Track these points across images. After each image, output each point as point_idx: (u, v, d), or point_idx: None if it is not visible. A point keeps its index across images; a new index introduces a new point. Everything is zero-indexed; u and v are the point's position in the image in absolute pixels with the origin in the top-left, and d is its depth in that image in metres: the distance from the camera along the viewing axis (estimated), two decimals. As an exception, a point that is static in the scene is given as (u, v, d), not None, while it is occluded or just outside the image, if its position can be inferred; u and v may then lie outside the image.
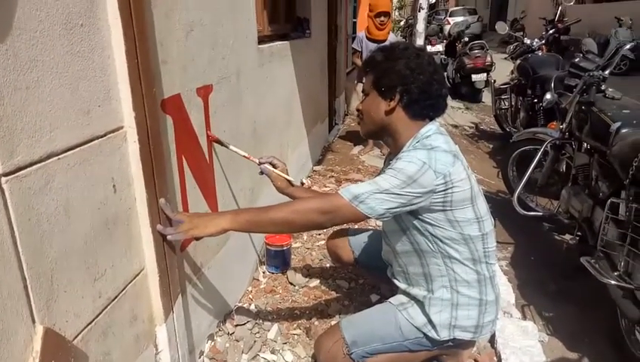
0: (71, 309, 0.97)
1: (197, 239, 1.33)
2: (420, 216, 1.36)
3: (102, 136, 1.05)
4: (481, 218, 1.38)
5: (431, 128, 1.40)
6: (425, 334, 1.45)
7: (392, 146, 1.48)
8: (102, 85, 1.04)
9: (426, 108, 1.41)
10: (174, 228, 1.28)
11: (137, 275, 1.24)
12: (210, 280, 1.77)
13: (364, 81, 1.50)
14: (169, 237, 1.27)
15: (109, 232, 1.10)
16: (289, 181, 1.72)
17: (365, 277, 2.27)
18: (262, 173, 1.74)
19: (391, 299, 1.58)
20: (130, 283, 1.21)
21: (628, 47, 2.38)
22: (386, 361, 1.49)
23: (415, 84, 1.36)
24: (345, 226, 2.05)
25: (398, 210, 1.29)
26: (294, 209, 1.34)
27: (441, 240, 1.38)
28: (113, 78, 1.08)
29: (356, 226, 2.45)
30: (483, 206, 1.41)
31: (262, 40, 2.40)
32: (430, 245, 1.40)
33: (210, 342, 1.81)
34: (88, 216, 1.02)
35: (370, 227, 2.57)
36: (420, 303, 1.48)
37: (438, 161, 1.28)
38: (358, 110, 1.51)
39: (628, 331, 1.86)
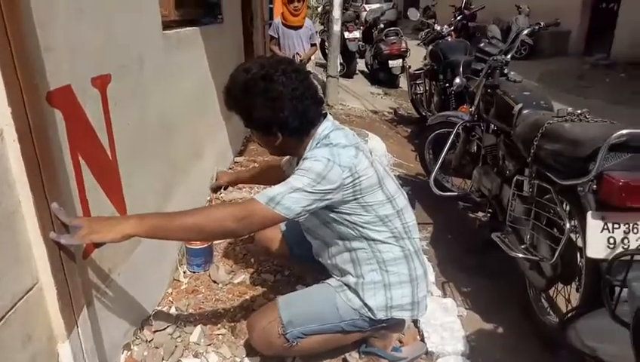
0: (-60, 339, 0.83)
1: (97, 246, 1.21)
2: (335, 209, 1.39)
3: (-31, 136, 0.91)
4: (392, 197, 1.44)
5: (326, 126, 1.42)
6: (362, 315, 1.48)
7: (297, 155, 1.50)
8: (-36, 77, 0.89)
9: (309, 124, 1.41)
10: (71, 234, 1.16)
11: (30, 290, 1.10)
12: (122, 287, 1.63)
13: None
14: (63, 242, 1.14)
15: (-13, 245, 0.96)
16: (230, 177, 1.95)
17: (292, 267, 2.24)
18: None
19: (329, 281, 1.59)
20: (20, 300, 1.07)
21: (525, 32, 2.52)
22: (319, 342, 1.51)
23: (285, 114, 1.33)
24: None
25: (313, 207, 1.30)
26: (207, 215, 1.29)
27: (360, 226, 1.41)
28: (-21, 68, 0.93)
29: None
30: (392, 185, 1.46)
31: (168, 25, 2.24)
32: (352, 231, 1.43)
33: (126, 351, 1.68)
34: (-43, 229, 0.87)
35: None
36: (354, 290, 1.50)
37: (341, 155, 1.32)
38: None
39: (535, 299, 2.00)
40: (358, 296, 1.49)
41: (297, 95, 1.34)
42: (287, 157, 1.74)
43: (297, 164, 1.43)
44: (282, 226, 1.90)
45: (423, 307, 1.56)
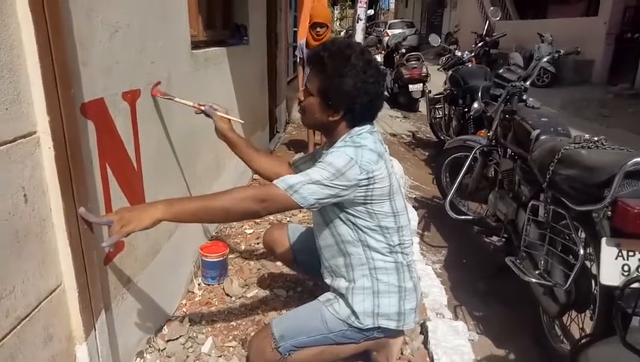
0: (-29, 331, 0.88)
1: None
2: (345, 209, 1.46)
3: (10, 142, 0.98)
4: (397, 212, 1.50)
5: (364, 128, 1.49)
6: (350, 325, 1.52)
7: (328, 139, 1.57)
8: (10, 86, 0.96)
9: (366, 119, 1.50)
10: (108, 236, 1.21)
11: (53, 291, 1.16)
12: (139, 294, 1.68)
13: (307, 75, 1.53)
14: (105, 244, 1.18)
15: (19, 246, 1.02)
16: (230, 126, 1.80)
17: (302, 283, 2.26)
18: (204, 114, 1.81)
19: (319, 297, 1.64)
20: (44, 300, 1.12)
21: (545, 59, 2.55)
22: (312, 354, 1.54)
23: (360, 104, 1.43)
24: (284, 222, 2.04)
25: (326, 200, 1.38)
26: (230, 197, 1.36)
27: (361, 230, 1.48)
28: (24, 79, 1.01)
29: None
30: (400, 202, 1.53)
31: (197, 45, 2.34)
32: (352, 234, 1.50)
33: (139, 359, 1.71)
34: (-7, 229, 0.94)
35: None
36: (344, 296, 1.55)
37: (363, 157, 1.39)
38: (300, 100, 1.54)
39: (549, 326, 1.98)
40: (347, 302, 1.53)
41: (380, 90, 1.47)
42: (300, 155, 1.78)
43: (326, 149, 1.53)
44: (290, 233, 1.97)
45: (410, 319, 1.58)
